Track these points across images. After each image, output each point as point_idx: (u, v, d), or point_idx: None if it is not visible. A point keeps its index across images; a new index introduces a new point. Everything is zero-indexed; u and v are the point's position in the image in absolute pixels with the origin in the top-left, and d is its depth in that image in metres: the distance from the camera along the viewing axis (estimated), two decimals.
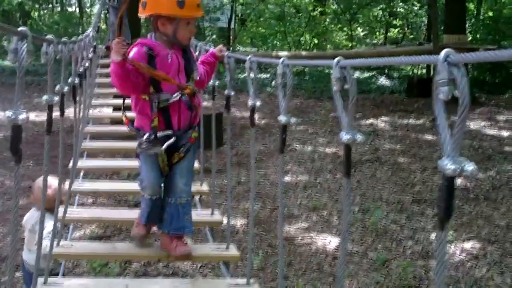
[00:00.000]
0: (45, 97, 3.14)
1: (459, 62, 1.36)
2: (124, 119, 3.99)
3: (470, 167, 1.34)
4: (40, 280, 3.69)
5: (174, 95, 3.74)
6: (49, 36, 3.10)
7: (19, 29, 2.14)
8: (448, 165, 1.36)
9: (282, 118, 2.83)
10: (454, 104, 1.42)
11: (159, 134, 3.72)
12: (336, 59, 2.05)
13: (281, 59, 2.81)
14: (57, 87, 3.62)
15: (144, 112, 3.77)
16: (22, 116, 2.04)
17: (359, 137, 2.04)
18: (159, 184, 3.94)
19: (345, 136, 2.04)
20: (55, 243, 4.10)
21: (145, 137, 3.70)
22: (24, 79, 2.14)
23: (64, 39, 3.93)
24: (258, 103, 3.44)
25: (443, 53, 1.39)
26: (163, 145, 3.73)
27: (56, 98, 3.24)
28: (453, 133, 1.38)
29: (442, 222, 1.41)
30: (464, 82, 1.34)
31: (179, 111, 3.80)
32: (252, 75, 3.44)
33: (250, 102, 3.45)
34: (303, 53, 20.69)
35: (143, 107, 3.76)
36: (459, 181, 9.58)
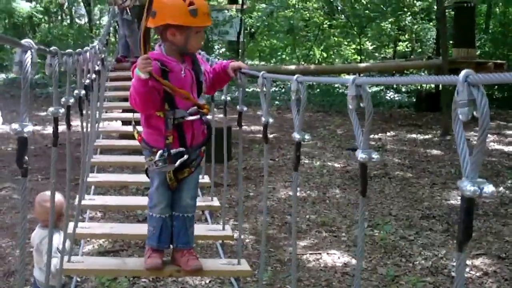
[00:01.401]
0: (50, 109, 3.10)
1: (478, 83, 1.35)
2: (136, 135, 3.90)
3: (489, 188, 1.33)
4: None
5: (191, 114, 3.69)
6: (53, 48, 3.08)
7: (23, 41, 2.12)
8: (468, 186, 1.34)
9: (296, 136, 2.80)
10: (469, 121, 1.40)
11: (173, 151, 3.66)
12: (352, 77, 2.04)
13: (295, 76, 2.78)
14: (63, 99, 3.58)
15: (157, 128, 3.70)
16: (28, 128, 2.03)
17: (375, 156, 2.03)
18: (169, 202, 3.87)
19: (361, 155, 2.03)
20: (65, 258, 4.08)
21: (158, 154, 3.63)
22: (29, 91, 2.13)
23: (69, 50, 3.89)
24: (271, 120, 3.41)
25: (462, 73, 1.37)
26: (175, 162, 3.67)
27: (62, 110, 3.19)
28: (472, 154, 1.36)
29: (461, 244, 1.39)
30: (484, 103, 1.32)
31: (192, 128, 3.75)
32: (265, 91, 3.40)
33: (263, 119, 3.42)
34: (312, 67, 20.69)
35: (157, 123, 3.70)
36: None
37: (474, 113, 1.35)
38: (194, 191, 4.01)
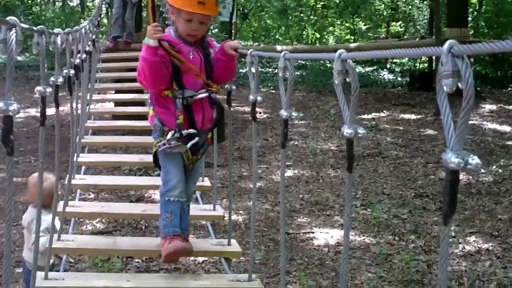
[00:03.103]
0: (38, 88, 3.07)
1: (463, 53, 1.34)
2: (151, 112, 3.80)
3: (474, 160, 1.32)
4: (40, 275, 3.66)
5: (200, 92, 3.66)
6: (40, 27, 3.05)
7: (7, 18, 2.10)
8: (452, 158, 1.33)
9: (284, 113, 2.79)
10: (457, 98, 1.39)
11: (184, 132, 3.61)
12: (338, 52, 2.02)
13: (283, 53, 2.77)
14: (52, 78, 3.53)
15: (167, 108, 3.67)
16: (13, 107, 2.01)
17: (361, 131, 2.02)
18: (185, 184, 3.77)
19: (347, 130, 2.01)
20: (55, 237, 4.06)
21: (170, 133, 3.59)
22: (13, 70, 2.11)
23: (57, 29, 3.84)
24: (259, 98, 3.38)
25: (446, 44, 1.36)
26: (186, 143, 3.63)
27: (49, 90, 3.16)
28: (457, 126, 1.36)
29: (446, 217, 1.39)
30: (468, 74, 1.31)
31: (202, 110, 3.72)
32: (253, 69, 3.36)
33: (251, 97, 3.39)
34: (305, 47, 20.64)
35: (166, 103, 3.67)
36: (461, 176, 9.56)
37: (459, 84, 1.34)
38: (196, 179, 4.03)
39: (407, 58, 25.01)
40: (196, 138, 3.65)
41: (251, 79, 3.40)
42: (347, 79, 2.01)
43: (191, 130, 3.63)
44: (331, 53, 2.08)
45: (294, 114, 2.80)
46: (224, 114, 3.98)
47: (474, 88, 1.31)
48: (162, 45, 3.50)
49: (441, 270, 1.48)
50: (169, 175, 3.72)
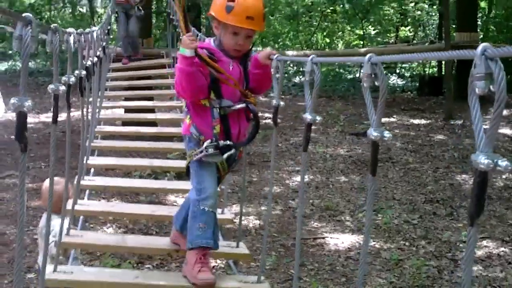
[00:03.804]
0: (50, 86, 3.06)
1: (496, 56, 1.33)
2: (188, 121, 3.63)
3: (504, 162, 1.31)
4: (50, 268, 3.66)
5: (238, 103, 3.53)
6: (54, 25, 3.04)
7: (23, 14, 2.10)
8: (482, 159, 1.33)
9: (308, 116, 2.78)
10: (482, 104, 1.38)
11: (221, 142, 3.48)
12: (368, 55, 2.01)
13: (310, 57, 2.75)
14: (64, 77, 3.52)
15: (205, 118, 3.53)
16: (27, 103, 2.00)
17: (387, 135, 2.01)
18: (217, 197, 3.64)
19: (373, 133, 2.00)
20: (64, 232, 4.05)
21: (207, 142, 3.45)
22: (28, 66, 2.11)
23: (70, 29, 3.85)
24: (282, 103, 3.37)
25: (480, 47, 1.37)
26: (223, 154, 3.49)
27: (62, 88, 3.15)
28: (487, 128, 1.35)
29: (472, 218, 1.38)
30: (501, 76, 1.31)
31: (239, 122, 3.59)
32: (278, 75, 3.34)
33: (274, 102, 3.38)
34: (330, 52, 20.70)
35: (204, 113, 3.53)
36: (470, 182, 9.53)
37: (491, 87, 1.33)
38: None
39: (416, 63, 24.99)
40: (233, 150, 3.52)
41: (275, 84, 3.39)
42: (376, 83, 2.00)
43: (228, 142, 3.50)
44: (360, 57, 2.07)
45: (318, 118, 2.78)
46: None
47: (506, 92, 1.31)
48: (199, 54, 3.40)
49: (466, 271, 1.47)
50: (205, 183, 3.54)
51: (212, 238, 3.53)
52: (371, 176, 2.10)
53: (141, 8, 11.46)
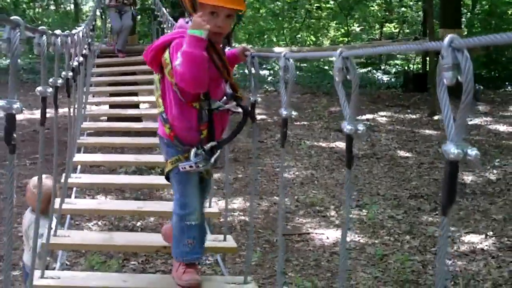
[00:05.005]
0: (39, 89, 3.06)
1: (463, 46, 1.36)
2: (168, 131, 3.23)
3: (473, 151, 1.33)
4: (37, 273, 3.66)
5: (228, 102, 3.24)
6: (41, 27, 3.05)
7: (12, 17, 2.11)
8: (451, 149, 1.35)
9: (284, 112, 2.79)
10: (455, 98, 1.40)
11: (206, 147, 3.17)
12: (339, 49, 2.02)
13: (283, 53, 2.75)
14: (51, 80, 3.54)
15: (190, 122, 3.17)
16: (16, 105, 2.02)
17: (361, 128, 2.02)
18: (201, 202, 3.40)
19: (347, 127, 2.02)
20: (51, 232, 4.05)
21: (193, 153, 3.14)
22: (17, 68, 2.12)
23: (57, 31, 3.85)
24: (259, 99, 3.36)
25: (447, 38, 1.38)
26: (210, 159, 3.19)
27: (50, 90, 3.15)
28: (456, 117, 1.37)
29: (445, 207, 1.40)
30: (468, 67, 1.33)
31: (221, 120, 3.28)
32: (253, 70, 3.29)
33: (251, 98, 3.31)
34: (309, 48, 20.73)
35: (189, 117, 3.17)
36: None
37: (458, 77, 1.36)
38: (211, 187, 3.78)
39: (401, 60, 25.09)
40: (219, 151, 3.22)
41: (251, 80, 3.36)
42: (348, 77, 2.01)
43: (213, 143, 3.19)
44: (332, 52, 2.09)
45: (294, 113, 2.78)
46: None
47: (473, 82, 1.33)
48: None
49: (440, 261, 1.49)
50: (189, 197, 3.27)
51: (200, 251, 3.38)
52: (347, 169, 2.11)
53: (133, 8, 11.70)
